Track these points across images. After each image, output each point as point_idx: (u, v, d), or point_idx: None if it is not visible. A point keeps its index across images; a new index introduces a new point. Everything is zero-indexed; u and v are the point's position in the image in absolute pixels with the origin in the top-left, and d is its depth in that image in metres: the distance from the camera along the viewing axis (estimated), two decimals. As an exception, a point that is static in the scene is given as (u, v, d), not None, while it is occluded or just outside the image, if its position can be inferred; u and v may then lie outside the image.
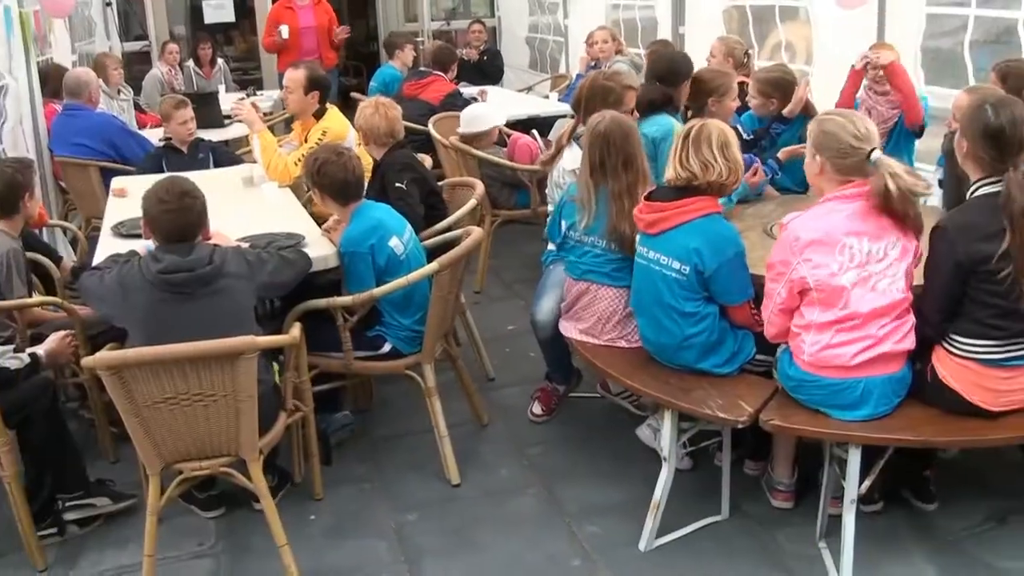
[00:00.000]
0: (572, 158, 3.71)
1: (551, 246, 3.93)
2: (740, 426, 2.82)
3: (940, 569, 2.89)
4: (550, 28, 9.26)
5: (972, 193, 2.70)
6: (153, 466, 2.72)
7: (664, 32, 7.00)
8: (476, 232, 3.45)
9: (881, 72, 4.19)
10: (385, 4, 10.29)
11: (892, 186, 2.57)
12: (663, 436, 3.02)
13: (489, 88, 7.76)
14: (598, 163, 3.29)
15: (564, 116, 6.78)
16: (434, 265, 3.28)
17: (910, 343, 2.73)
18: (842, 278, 2.65)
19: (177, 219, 2.82)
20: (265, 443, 2.88)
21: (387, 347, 3.47)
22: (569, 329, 3.46)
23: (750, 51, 5.83)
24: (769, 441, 3.23)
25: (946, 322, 2.73)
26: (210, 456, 2.75)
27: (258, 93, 7.92)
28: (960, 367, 2.72)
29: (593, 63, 6.84)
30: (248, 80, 9.13)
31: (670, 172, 2.99)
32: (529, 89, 8.70)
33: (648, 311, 3.09)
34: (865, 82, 4.34)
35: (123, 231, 3.75)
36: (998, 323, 2.64)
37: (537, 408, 3.92)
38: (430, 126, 6.06)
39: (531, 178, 5.39)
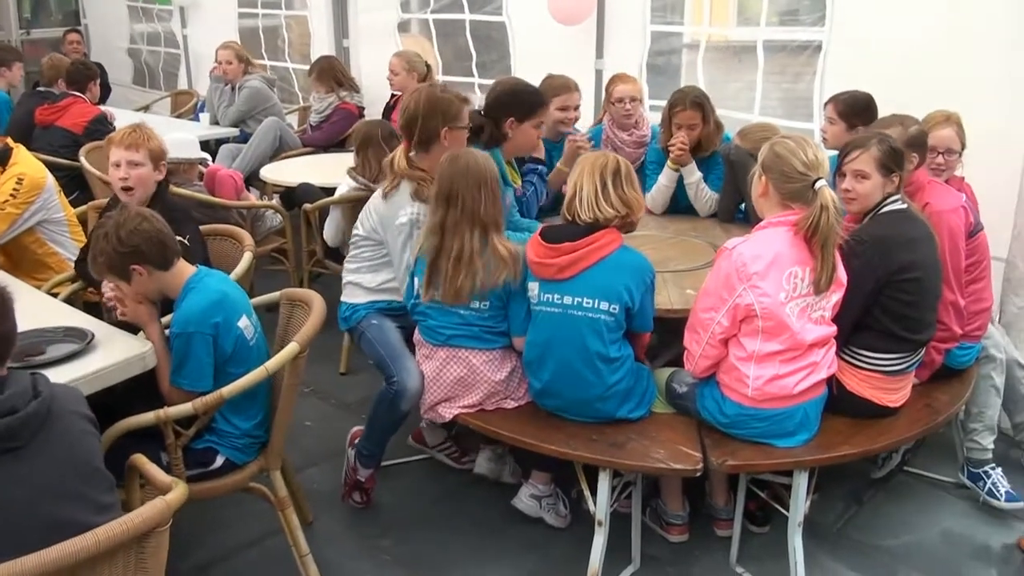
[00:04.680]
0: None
1: (348, 298, 3.35)
2: (697, 474, 2.65)
3: (848, 564, 3.01)
4: (160, 38, 8.13)
5: (878, 211, 2.82)
6: None
7: (323, 46, 6.52)
8: (318, 301, 2.79)
9: (628, 107, 4.27)
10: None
11: (822, 220, 2.56)
12: (600, 500, 2.73)
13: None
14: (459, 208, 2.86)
15: (228, 140, 6.03)
16: (294, 346, 2.59)
17: (836, 365, 2.78)
18: (788, 307, 2.59)
19: None
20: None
21: (219, 461, 2.69)
22: (446, 411, 3.00)
23: (429, 64, 5.68)
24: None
25: (853, 333, 2.82)
26: None
27: None
28: (867, 377, 2.83)
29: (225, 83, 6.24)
30: None
31: (603, 211, 2.69)
32: (146, 108, 7.57)
33: (561, 364, 2.77)
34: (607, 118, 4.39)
35: None
36: (905, 335, 2.78)
37: (358, 497, 3.31)
38: (82, 159, 4.95)
39: (246, 218, 4.63)
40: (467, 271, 2.84)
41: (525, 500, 3.16)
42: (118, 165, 3.19)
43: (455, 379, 2.94)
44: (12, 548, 1.71)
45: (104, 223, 2.62)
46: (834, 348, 2.75)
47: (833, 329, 2.71)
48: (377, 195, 3.24)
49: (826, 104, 3.65)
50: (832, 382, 2.82)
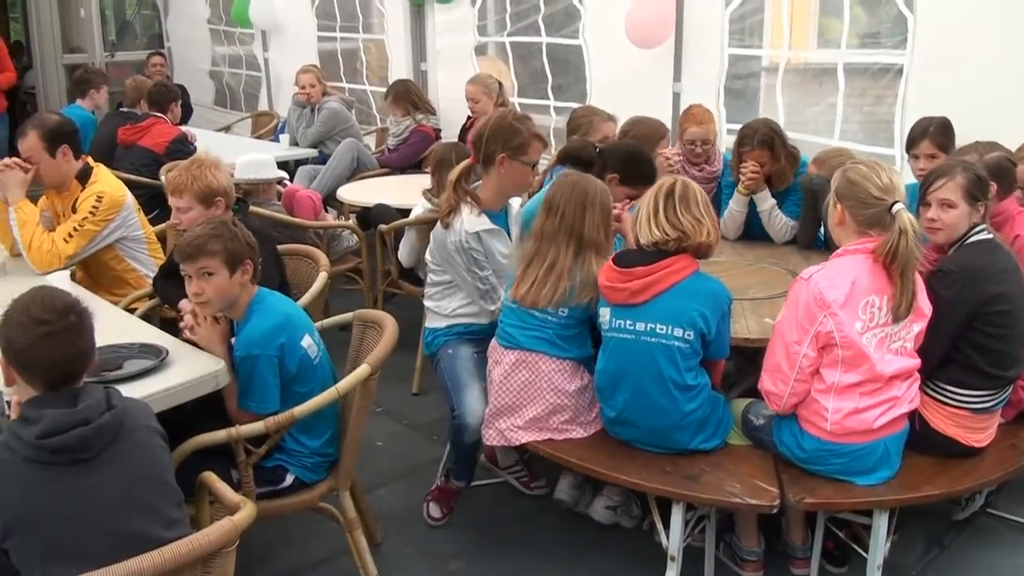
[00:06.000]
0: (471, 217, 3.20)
1: (429, 323, 3.38)
2: (774, 511, 2.57)
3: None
4: (242, 61, 8.35)
5: (965, 241, 2.72)
6: None
7: (400, 69, 6.60)
8: (391, 323, 2.80)
9: (698, 150, 4.18)
10: (39, 31, 8.56)
11: (900, 244, 2.48)
12: (673, 533, 2.67)
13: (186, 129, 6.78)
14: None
15: (307, 161, 6.14)
16: (365, 368, 2.60)
17: (918, 400, 2.68)
18: (864, 337, 2.51)
19: (65, 348, 1.91)
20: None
21: (289, 479, 2.71)
22: (513, 434, 2.94)
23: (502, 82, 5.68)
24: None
25: (939, 367, 2.72)
26: None
27: None
28: (952, 415, 2.71)
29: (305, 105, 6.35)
30: None
31: (652, 234, 2.66)
32: (227, 129, 7.78)
33: (636, 392, 2.72)
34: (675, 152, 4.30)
35: None
36: (993, 371, 2.67)
37: (436, 511, 3.33)
38: (163, 178, 5.07)
39: (323, 238, 4.70)
40: (554, 284, 2.83)
41: (600, 511, 3.20)
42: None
43: (521, 384, 2.91)
44: (83, 558, 1.77)
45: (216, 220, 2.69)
46: (917, 382, 2.64)
47: (916, 361, 2.60)
48: None
49: (917, 142, 3.50)
50: (915, 418, 2.72)
